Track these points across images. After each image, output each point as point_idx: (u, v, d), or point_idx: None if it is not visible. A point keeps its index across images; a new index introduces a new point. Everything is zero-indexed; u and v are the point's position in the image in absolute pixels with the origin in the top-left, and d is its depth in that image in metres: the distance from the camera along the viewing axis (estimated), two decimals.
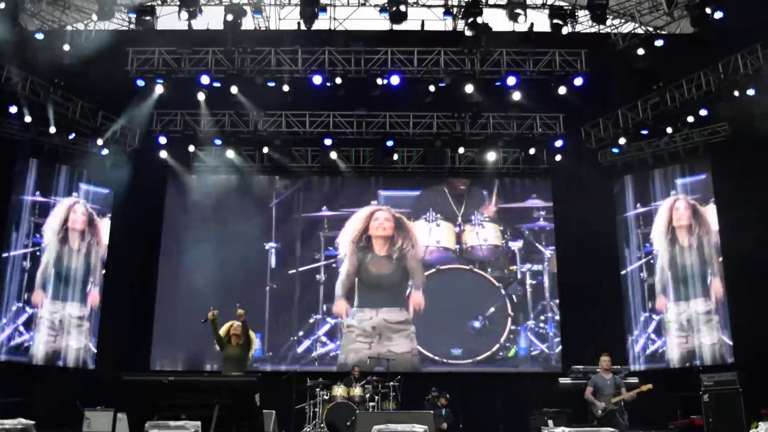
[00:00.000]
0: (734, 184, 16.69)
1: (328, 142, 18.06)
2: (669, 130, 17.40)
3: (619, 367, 14.00)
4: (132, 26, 15.89)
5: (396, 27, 15.62)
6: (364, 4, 16.15)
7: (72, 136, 17.50)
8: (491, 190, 19.05)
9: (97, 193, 18.36)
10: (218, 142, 18.10)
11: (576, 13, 15.62)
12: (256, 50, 16.24)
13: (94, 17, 15.40)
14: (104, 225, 18.32)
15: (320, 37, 16.50)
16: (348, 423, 13.54)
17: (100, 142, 17.59)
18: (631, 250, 18.39)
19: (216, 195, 18.87)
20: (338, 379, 14.73)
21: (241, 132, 17.86)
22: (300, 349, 18.01)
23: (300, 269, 18.58)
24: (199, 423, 7.57)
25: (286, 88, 16.36)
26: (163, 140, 17.90)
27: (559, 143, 18.10)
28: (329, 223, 18.82)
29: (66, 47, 15.63)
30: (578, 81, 16.35)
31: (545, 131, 17.97)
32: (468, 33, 15.22)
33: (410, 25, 15.81)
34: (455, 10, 16.05)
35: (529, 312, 18.36)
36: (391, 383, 14.72)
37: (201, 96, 16.64)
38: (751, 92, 15.62)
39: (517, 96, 16.62)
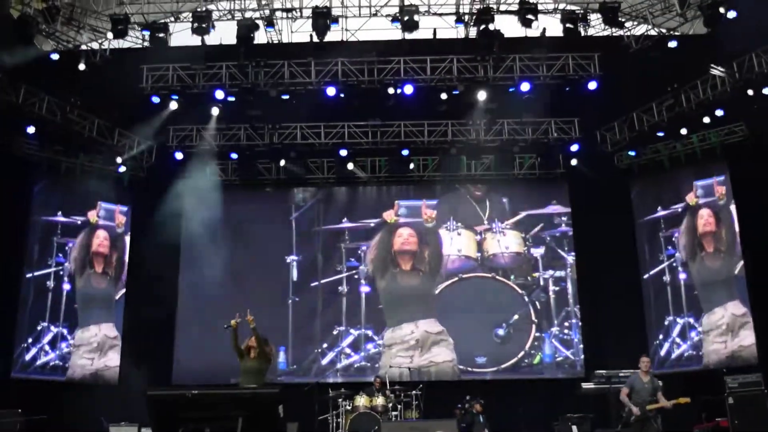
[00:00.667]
0: (753, 184, 16.55)
1: (343, 152, 18.10)
2: (684, 131, 17.32)
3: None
4: (146, 44, 16.01)
5: (408, 36, 15.67)
6: (375, 15, 16.18)
7: (89, 154, 17.60)
8: (509, 196, 19.01)
9: (116, 211, 18.48)
10: (234, 155, 18.15)
11: (588, 17, 15.58)
12: (269, 63, 16.32)
13: (109, 35, 15.56)
14: (124, 242, 18.43)
15: (333, 48, 16.56)
16: None
17: (118, 160, 17.72)
18: (652, 253, 18.27)
19: (235, 208, 18.90)
20: (360, 389, 14.73)
21: (256, 145, 17.92)
22: (324, 362, 18.01)
23: (322, 281, 18.60)
24: None
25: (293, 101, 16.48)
26: (179, 156, 17.96)
27: (574, 148, 18.04)
28: (350, 234, 18.84)
29: (81, 66, 15.78)
30: (592, 85, 16.29)
31: (560, 136, 17.92)
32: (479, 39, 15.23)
33: (422, 33, 15.87)
34: (467, 17, 16.05)
35: (553, 318, 18.28)
36: (414, 392, 14.70)
37: (215, 111, 16.75)
38: (766, 91, 15.51)
39: (530, 101, 16.60)
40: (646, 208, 18.50)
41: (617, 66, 16.28)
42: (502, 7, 15.54)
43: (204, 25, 14.88)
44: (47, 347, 16.97)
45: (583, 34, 15.59)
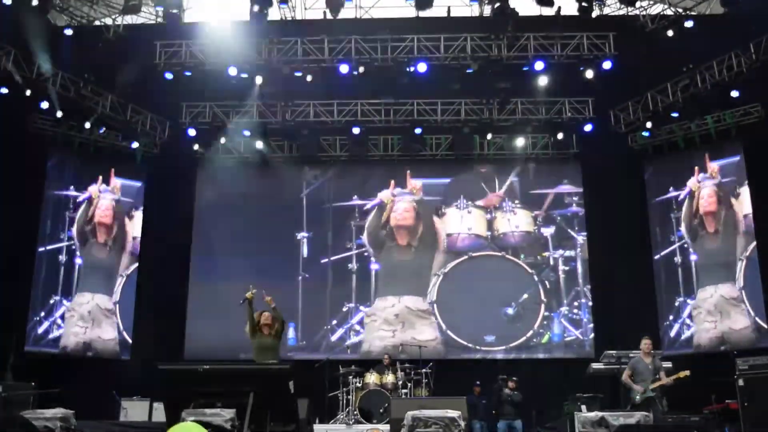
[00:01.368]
0: None
1: (356, 130, 18.07)
2: (699, 112, 17.20)
3: (653, 351, 13.95)
4: (159, 20, 15.99)
5: (422, 14, 15.59)
6: None
7: (102, 130, 17.65)
8: (521, 176, 18.96)
9: (129, 186, 18.58)
10: (247, 133, 18.17)
11: None
12: (282, 41, 16.28)
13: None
14: (137, 217, 18.53)
15: (346, 25, 16.49)
16: (381, 410, 13.64)
17: (134, 140, 17.78)
18: (663, 234, 18.22)
19: (246, 186, 18.95)
20: (370, 366, 14.81)
21: (269, 122, 17.91)
22: (334, 338, 18.08)
23: (332, 258, 18.64)
24: (234, 410, 7.64)
25: (309, 78, 16.41)
26: (192, 132, 17.97)
27: (588, 128, 17.92)
28: (360, 212, 18.85)
29: (95, 42, 15.79)
30: (607, 64, 16.19)
31: (574, 115, 17.84)
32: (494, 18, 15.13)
33: (436, 11, 15.78)
34: None
35: (563, 298, 18.27)
36: (424, 370, 14.77)
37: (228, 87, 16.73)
38: None
39: (544, 81, 16.54)
40: (660, 188, 18.40)
41: (632, 46, 16.16)
42: None
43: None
44: (59, 321, 17.11)
45: (598, 13, 15.47)
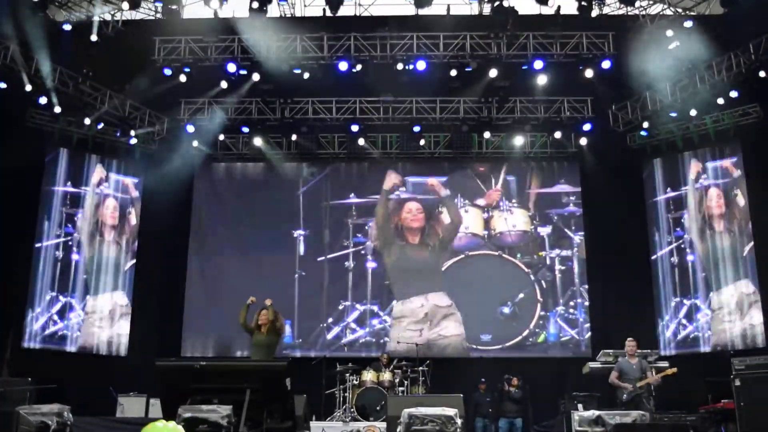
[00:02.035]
0: (766, 166, 16.45)
1: (354, 128, 18.05)
2: (697, 112, 17.20)
3: (648, 351, 13.98)
4: (158, 16, 15.95)
5: (421, 12, 15.57)
6: None
7: (101, 125, 17.61)
8: (519, 175, 18.94)
9: (127, 183, 18.53)
10: (245, 129, 18.14)
11: None
12: (281, 37, 16.26)
13: (125, 6, 15.49)
14: (134, 213, 18.48)
15: (346, 23, 16.47)
16: (378, 407, 13.65)
17: (132, 133, 17.72)
18: (661, 234, 18.20)
19: (244, 183, 18.97)
20: (367, 364, 14.81)
21: (267, 119, 17.89)
22: (329, 336, 18.06)
23: (329, 256, 18.60)
24: (230, 407, 7.64)
25: (306, 75, 16.38)
26: (191, 129, 17.94)
27: (587, 127, 17.92)
28: (357, 210, 18.83)
29: (94, 38, 15.75)
30: (606, 64, 16.19)
31: (573, 115, 17.83)
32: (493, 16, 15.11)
33: (435, 9, 15.76)
34: None
35: (559, 298, 18.27)
36: (421, 368, 14.78)
37: (225, 84, 16.68)
38: None
39: (543, 80, 16.54)
40: (658, 188, 18.40)
41: (632, 45, 16.16)
42: None
43: None
44: (56, 317, 17.06)
45: (597, 12, 15.46)
